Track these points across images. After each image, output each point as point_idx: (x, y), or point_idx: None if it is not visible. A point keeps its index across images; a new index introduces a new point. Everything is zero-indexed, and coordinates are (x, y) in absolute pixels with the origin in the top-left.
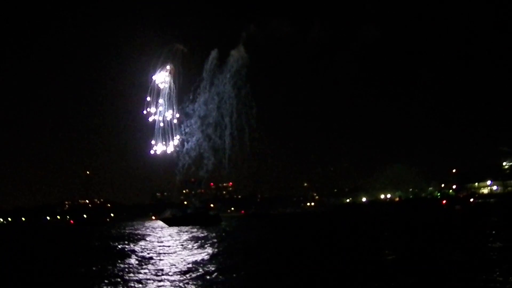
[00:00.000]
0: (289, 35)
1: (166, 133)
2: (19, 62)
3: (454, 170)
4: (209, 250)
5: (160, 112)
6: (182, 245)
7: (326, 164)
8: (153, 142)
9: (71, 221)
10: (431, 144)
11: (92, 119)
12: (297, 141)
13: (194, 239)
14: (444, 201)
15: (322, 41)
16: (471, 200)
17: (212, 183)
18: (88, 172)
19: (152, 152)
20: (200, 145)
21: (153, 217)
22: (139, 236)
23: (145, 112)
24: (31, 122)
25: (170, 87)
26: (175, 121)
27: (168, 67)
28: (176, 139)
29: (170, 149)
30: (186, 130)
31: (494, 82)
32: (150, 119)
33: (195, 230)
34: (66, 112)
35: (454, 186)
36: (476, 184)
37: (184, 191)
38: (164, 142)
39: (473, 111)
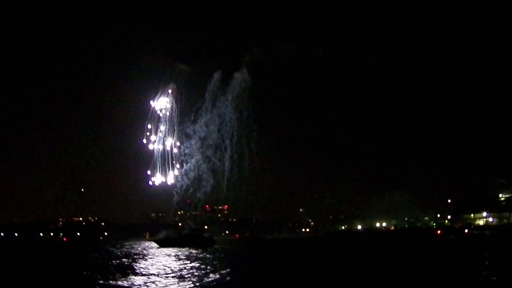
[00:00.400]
0: (293, 57)
1: (166, 162)
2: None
3: (449, 201)
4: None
5: (160, 140)
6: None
7: (322, 190)
8: (149, 172)
9: (64, 239)
10: (428, 173)
11: (91, 138)
12: (295, 165)
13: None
14: (439, 232)
15: (324, 63)
16: (466, 231)
17: (207, 206)
18: (82, 190)
19: (150, 183)
20: (199, 166)
21: (147, 237)
22: (135, 256)
23: (144, 140)
24: (27, 138)
25: (172, 107)
26: (175, 150)
27: (170, 87)
28: (176, 169)
29: (170, 179)
30: (186, 151)
31: (493, 113)
32: (150, 147)
33: (190, 252)
34: (64, 128)
35: (449, 217)
36: (472, 215)
37: (179, 212)
38: (163, 173)
39: (471, 141)
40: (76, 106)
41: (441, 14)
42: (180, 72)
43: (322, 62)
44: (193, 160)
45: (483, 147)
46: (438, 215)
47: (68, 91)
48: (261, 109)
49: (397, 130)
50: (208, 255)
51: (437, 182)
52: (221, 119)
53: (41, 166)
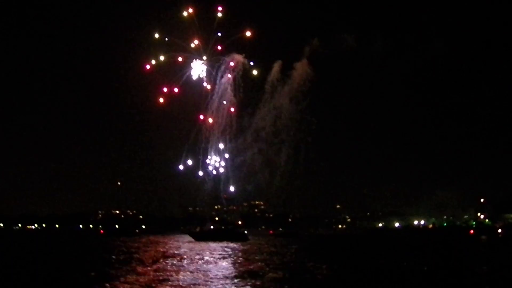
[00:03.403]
0: (353, 49)
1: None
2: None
3: (482, 200)
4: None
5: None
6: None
7: (360, 186)
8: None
9: (101, 231)
10: (470, 171)
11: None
12: (336, 161)
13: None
14: (472, 231)
15: (385, 55)
16: (500, 231)
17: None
18: (119, 183)
19: (200, 173)
20: (253, 159)
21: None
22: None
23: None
24: (69, 132)
25: (228, 100)
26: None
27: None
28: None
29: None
30: (239, 145)
31: None
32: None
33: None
34: (100, 123)
35: (482, 216)
36: None
37: (216, 207)
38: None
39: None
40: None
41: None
42: (237, 63)
43: (382, 53)
44: (247, 153)
45: None
46: (479, 214)
47: (103, 92)
48: (320, 102)
49: (439, 127)
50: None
51: (479, 179)
52: (277, 111)
53: (80, 159)
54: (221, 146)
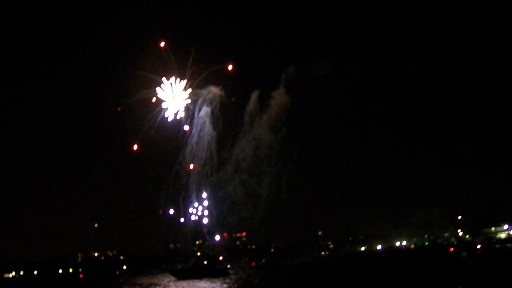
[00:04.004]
0: (330, 75)
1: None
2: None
3: (460, 217)
4: None
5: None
6: None
7: (340, 212)
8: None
9: (80, 275)
10: (446, 188)
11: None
12: (317, 187)
13: None
14: (451, 249)
15: (362, 79)
16: (478, 247)
17: (225, 233)
18: (96, 225)
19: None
20: (235, 191)
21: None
22: None
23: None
24: (44, 176)
25: (208, 134)
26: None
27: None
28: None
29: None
30: (221, 177)
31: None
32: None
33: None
34: (76, 163)
35: (461, 232)
36: (493, 228)
37: (197, 242)
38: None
39: (490, 153)
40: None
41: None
42: (214, 96)
43: (360, 78)
44: (229, 186)
45: (504, 158)
46: (459, 231)
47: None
48: (299, 130)
49: (414, 146)
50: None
51: (457, 197)
52: (257, 141)
53: (57, 202)
54: (204, 195)
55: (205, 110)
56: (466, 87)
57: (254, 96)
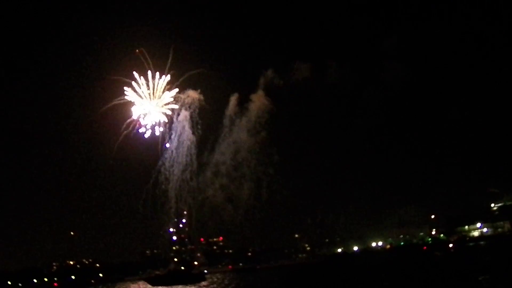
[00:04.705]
0: (308, 78)
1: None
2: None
3: (433, 216)
4: None
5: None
6: None
7: (316, 214)
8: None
9: (55, 284)
10: (419, 188)
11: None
12: (293, 191)
13: None
14: (425, 248)
15: (341, 83)
16: (450, 246)
17: (202, 239)
18: (72, 233)
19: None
20: (215, 195)
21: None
22: None
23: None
24: (16, 184)
25: (187, 138)
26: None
27: (184, 118)
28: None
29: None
30: (201, 182)
31: (483, 122)
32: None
33: None
34: (50, 172)
35: (434, 232)
36: (466, 227)
37: (174, 248)
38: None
39: (462, 152)
40: (65, 149)
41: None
42: (193, 100)
43: (338, 81)
44: (209, 190)
45: (475, 157)
46: (434, 230)
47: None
48: (280, 132)
49: (388, 145)
50: None
51: (430, 197)
52: (237, 144)
53: (30, 210)
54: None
55: (184, 114)
56: (443, 90)
57: (233, 99)
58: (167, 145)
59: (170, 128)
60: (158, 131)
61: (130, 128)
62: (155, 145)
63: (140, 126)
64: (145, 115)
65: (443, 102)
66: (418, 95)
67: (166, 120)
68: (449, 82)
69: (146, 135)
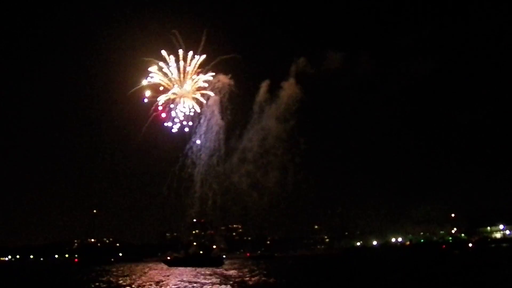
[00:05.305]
0: (340, 68)
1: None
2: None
3: (453, 215)
4: None
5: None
6: None
7: (338, 206)
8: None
9: (75, 260)
10: (445, 187)
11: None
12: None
13: None
14: (444, 246)
15: (370, 75)
16: (470, 245)
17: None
18: (95, 211)
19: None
20: (240, 182)
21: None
22: None
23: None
24: (43, 162)
25: (216, 123)
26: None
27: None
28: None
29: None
30: (227, 168)
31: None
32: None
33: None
34: (77, 150)
35: (454, 230)
36: (488, 228)
37: (194, 232)
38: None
39: (488, 154)
40: (94, 132)
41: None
42: (223, 85)
43: (370, 73)
44: (235, 176)
45: (499, 159)
46: (455, 229)
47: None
48: (307, 122)
49: (415, 145)
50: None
51: (454, 195)
52: (265, 131)
53: (56, 189)
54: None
55: (214, 99)
56: (470, 88)
57: (264, 86)
58: (197, 141)
59: (199, 119)
60: (187, 127)
61: (158, 111)
62: (182, 136)
63: (167, 117)
64: (173, 100)
65: (470, 99)
66: (445, 90)
67: (199, 110)
68: (477, 78)
69: (174, 130)
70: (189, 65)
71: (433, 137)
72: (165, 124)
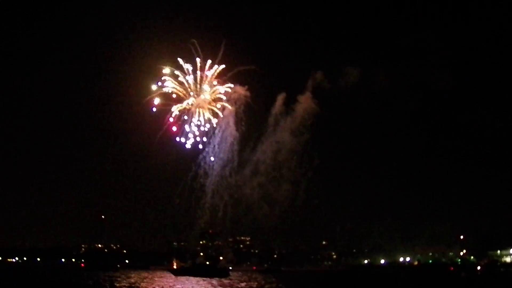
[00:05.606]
0: (357, 84)
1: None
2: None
3: (462, 237)
4: None
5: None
6: None
7: (346, 223)
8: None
9: (82, 264)
10: (456, 208)
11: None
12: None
13: None
14: (452, 268)
15: (388, 91)
16: (478, 268)
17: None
18: (103, 216)
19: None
20: (251, 194)
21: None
22: None
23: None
24: (53, 166)
25: (230, 134)
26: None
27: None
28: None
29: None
30: (238, 179)
31: None
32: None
33: None
34: (88, 155)
35: (462, 253)
36: (498, 251)
37: (201, 242)
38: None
39: (498, 175)
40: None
41: None
42: (239, 96)
43: (386, 89)
44: (246, 188)
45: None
46: (464, 251)
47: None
48: (322, 137)
49: (430, 164)
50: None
51: (464, 216)
52: (279, 144)
53: (65, 192)
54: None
55: (229, 110)
56: (486, 106)
57: (280, 98)
58: (212, 158)
59: (214, 130)
60: (200, 143)
61: (169, 123)
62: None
63: (179, 130)
64: (188, 110)
65: (482, 116)
66: (458, 108)
67: (214, 122)
68: (489, 93)
69: (188, 145)
70: (207, 75)
71: (448, 158)
72: (178, 139)
